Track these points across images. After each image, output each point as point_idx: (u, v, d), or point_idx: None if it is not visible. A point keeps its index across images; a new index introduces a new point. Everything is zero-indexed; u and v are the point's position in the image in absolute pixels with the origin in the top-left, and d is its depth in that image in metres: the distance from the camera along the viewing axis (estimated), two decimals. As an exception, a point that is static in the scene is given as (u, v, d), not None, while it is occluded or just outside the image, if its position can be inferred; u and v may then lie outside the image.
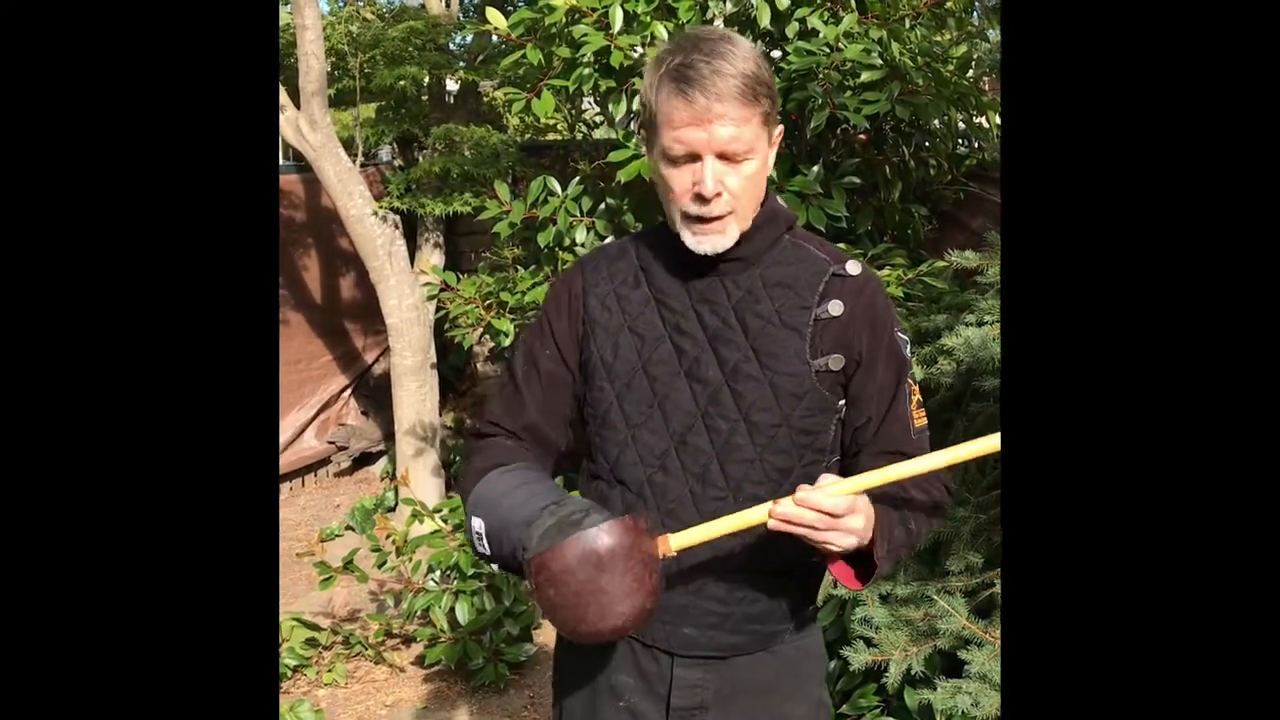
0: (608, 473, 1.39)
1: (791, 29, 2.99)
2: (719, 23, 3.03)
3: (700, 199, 1.27)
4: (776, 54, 3.16)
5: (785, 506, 1.20)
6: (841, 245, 2.86)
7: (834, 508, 1.19)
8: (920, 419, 1.38)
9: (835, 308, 1.33)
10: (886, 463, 1.30)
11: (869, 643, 2.35)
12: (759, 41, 3.08)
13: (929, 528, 1.39)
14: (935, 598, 2.30)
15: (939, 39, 3.59)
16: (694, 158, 1.26)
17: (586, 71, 3.01)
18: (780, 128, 1.32)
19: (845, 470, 1.40)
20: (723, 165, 1.26)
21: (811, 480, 1.33)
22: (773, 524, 1.20)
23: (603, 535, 1.17)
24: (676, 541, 1.23)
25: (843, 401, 1.35)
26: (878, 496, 1.28)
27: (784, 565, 1.36)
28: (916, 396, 1.38)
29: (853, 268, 1.35)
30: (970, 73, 3.59)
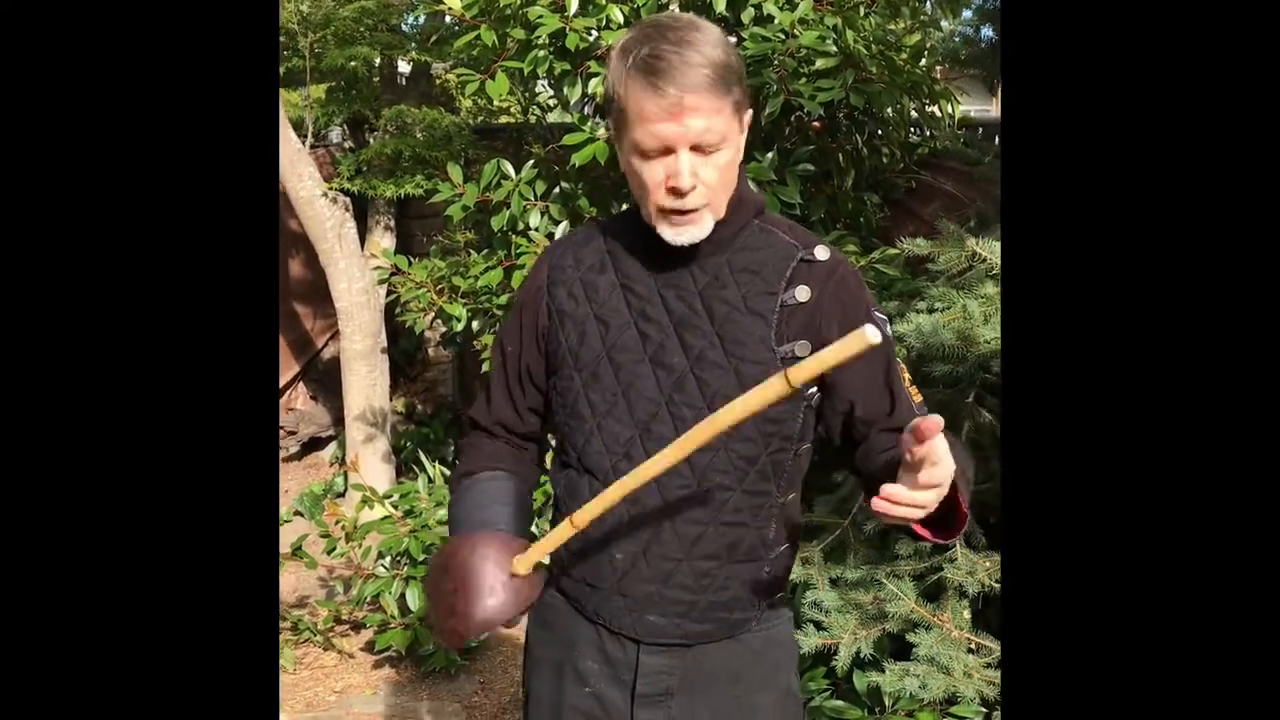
0: (576, 461, 1.39)
1: (747, 15, 2.99)
2: (674, 7, 3.02)
3: (675, 192, 1.24)
4: (731, 39, 3.15)
5: (900, 497, 1.09)
6: (795, 232, 2.88)
7: (942, 477, 1.09)
8: (916, 395, 1.36)
9: (802, 293, 1.31)
10: (882, 423, 1.32)
11: (818, 626, 2.37)
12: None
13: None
14: (884, 581, 2.33)
15: (893, 27, 3.60)
16: (667, 151, 1.23)
17: (542, 54, 2.98)
18: (749, 112, 1.30)
19: (846, 459, 1.39)
20: (696, 157, 1.23)
21: (778, 469, 1.34)
22: (882, 506, 1.11)
23: (442, 553, 1.35)
24: (525, 563, 1.33)
25: (813, 390, 1.33)
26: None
27: (751, 553, 1.36)
28: (906, 375, 1.37)
29: (821, 252, 1.33)
30: (923, 61, 3.62)
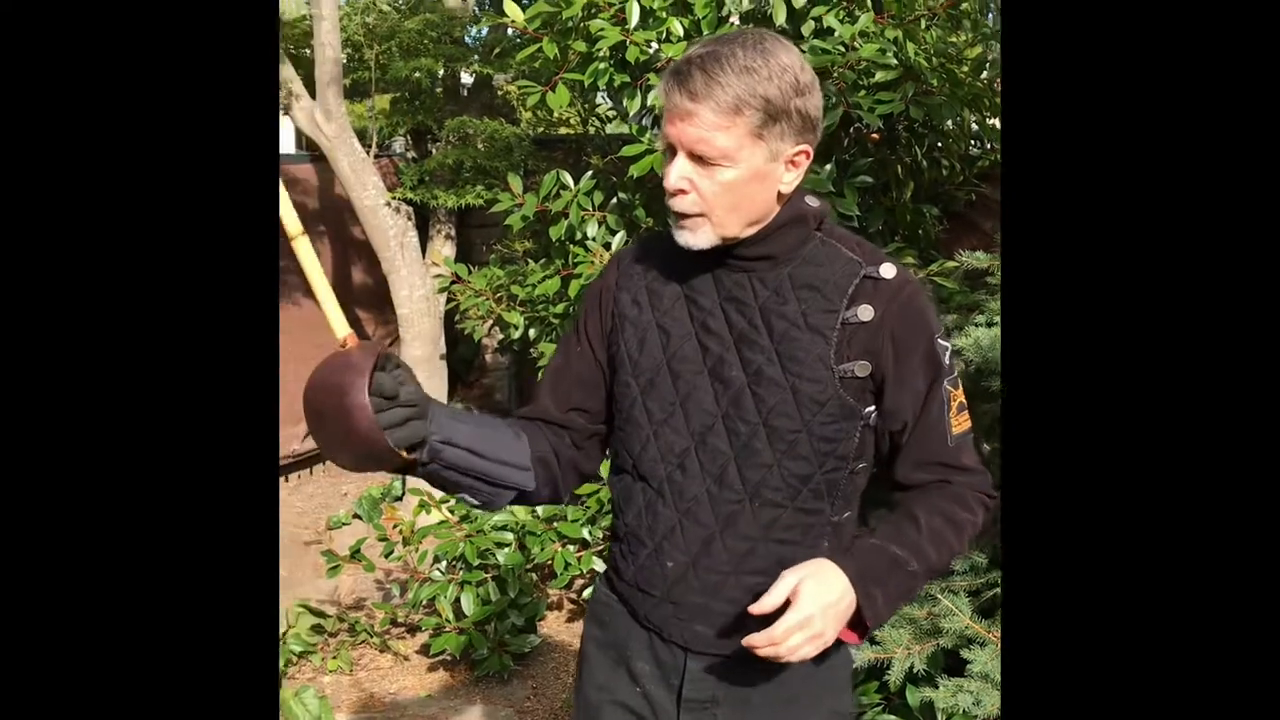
0: (631, 467, 1.40)
1: (807, 27, 3.00)
2: (735, 20, 3.03)
3: (670, 191, 1.26)
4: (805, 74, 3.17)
5: (764, 649, 1.20)
6: (853, 244, 2.87)
7: (794, 624, 1.19)
8: (960, 424, 1.35)
9: (865, 312, 1.29)
10: (925, 475, 1.32)
11: (872, 640, 2.36)
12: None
13: (953, 550, 1.34)
14: (939, 596, 2.31)
15: (954, 40, 3.59)
16: (675, 151, 1.25)
17: (602, 66, 3.02)
18: (803, 148, 1.26)
19: (882, 478, 1.39)
20: (693, 166, 1.24)
21: (833, 488, 1.33)
22: (765, 652, 1.20)
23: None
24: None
25: (871, 409, 1.32)
26: (872, 543, 1.29)
27: None
28: (957, 401, 1.35)
29: (887, 270, 1.30)
30: (984, 74, 3.59)
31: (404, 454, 1.22)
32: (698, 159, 1.24)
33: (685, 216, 1.27)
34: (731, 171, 1.23)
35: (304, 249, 1.23)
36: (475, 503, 1.36)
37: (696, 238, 1.28)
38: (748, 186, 1.25)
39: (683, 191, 1.25)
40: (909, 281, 1.32)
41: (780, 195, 1.28)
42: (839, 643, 1.42)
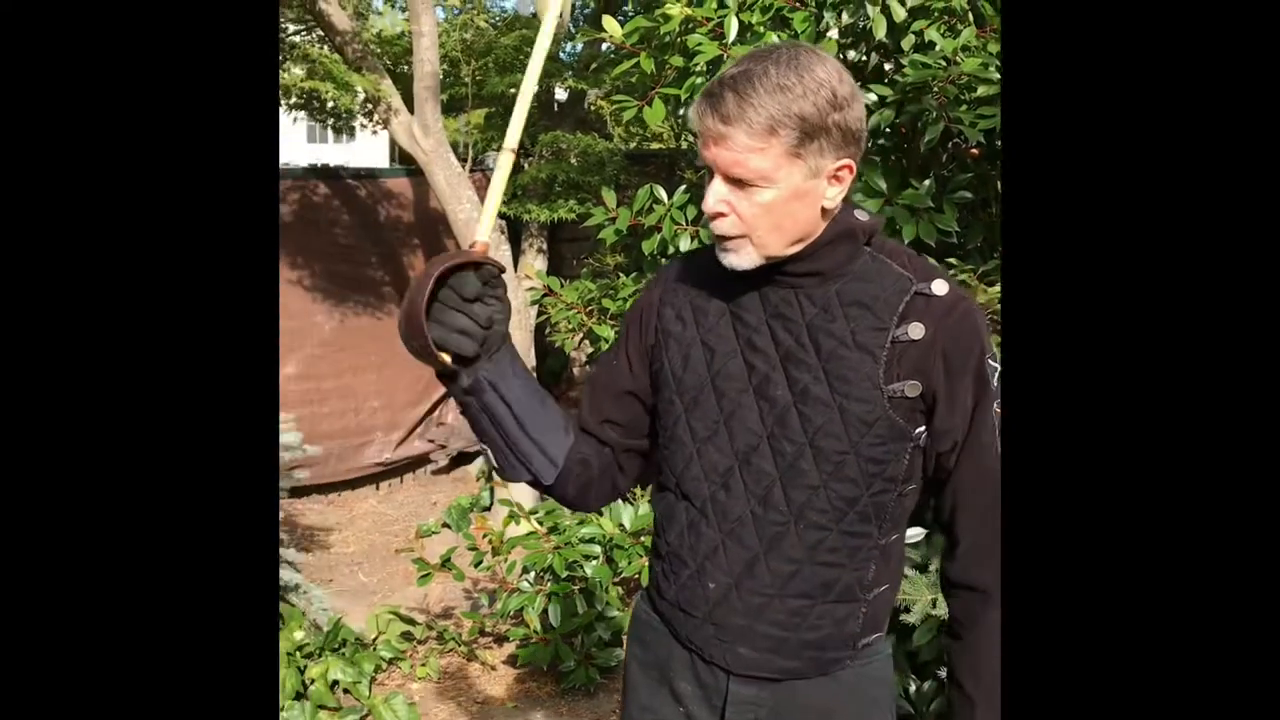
0: (674, 486, 1.37)
1: (907, 42, 2.96)
2: (833, 34, 3.01)
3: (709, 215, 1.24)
4: (889, 66, 3.13)
5: None
6: (952, 260, 2.82)
7: None
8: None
9: (916, 330, 1.25)
10: (975, 500, 1.29)
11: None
12: (873, 53, 3.05)
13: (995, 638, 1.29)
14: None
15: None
16: (714, 173, 1.24)
17: (699, 81, 3.01)
18: (845, 162, 1.23)
19: (927, 501, 1.36)
20: (730, 189, 1.22)
21: (880, 510, 1.29)
22: None
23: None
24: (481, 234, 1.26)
25: (921, 429, 1.28)
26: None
27: (847, 593, 1.32)
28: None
29: (939, 287, 1.26)
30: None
31: (441, 355, 1.23)
32: (735, 181, 1.21)
33: (727, 238, 1.25)
34: (770, 192, 1.20)
35: (506, 162, 1.30)
36: (493, 463, 1.39)
37: (740, 259, 1.25)
38: (788, 205, 1.22)
39: (721, 214, 1.23)
40: (962, 299, 1.28)
41: (825, 211, 1.25)
42: (882, 662, 1.39)
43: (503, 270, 1.26)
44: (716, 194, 1.23)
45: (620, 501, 3.81)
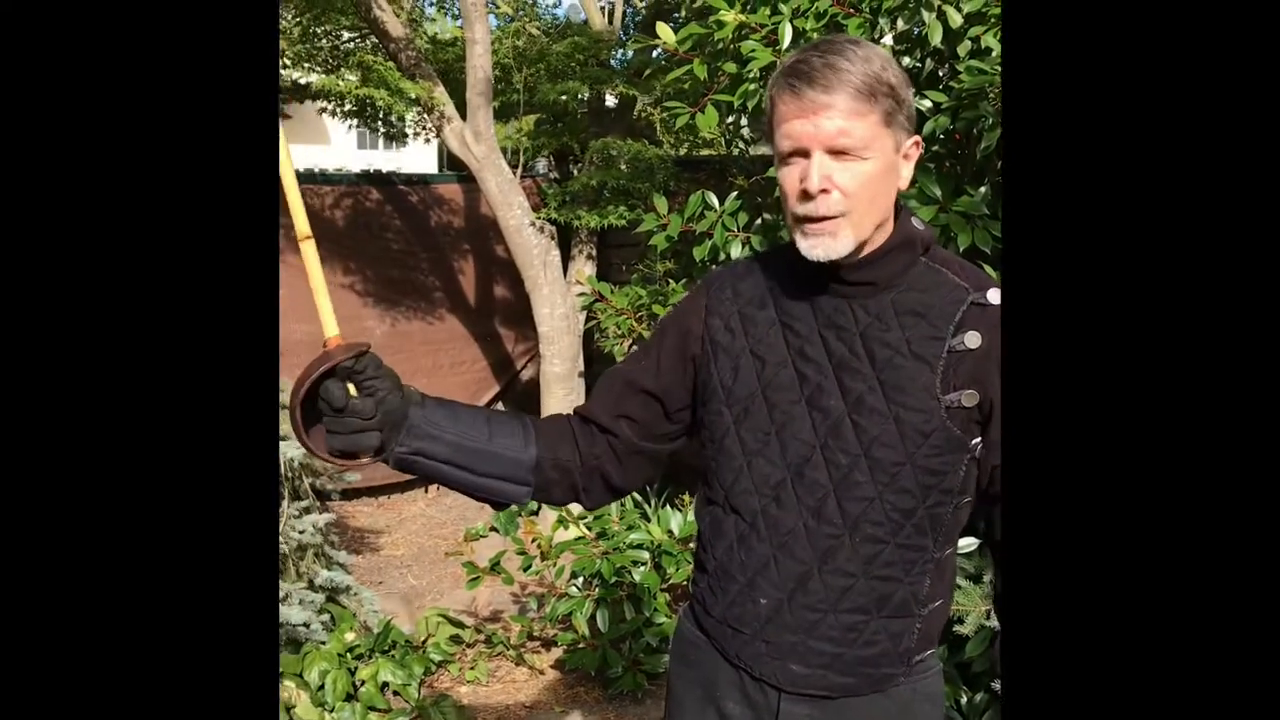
0: (723, 499, 1.35)
1: (964, 47, 2.93)
2: (888, 39, 2.99)
3: (806, 196, 1.20)
4: (944, 72, 3.10)
5: None
6: (1007, 268, 2.79)
7: None
8: None
9: (972, 340, 1.23)
10: None
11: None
12: (929, 59, 3.03)
13: None
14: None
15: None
16: (804, 154, 1.20)
17: (752, 87, 3.01)
18: (915, 139, 1.24)
19: (980, 515, 1.34)
20: (833, 161, 1.19)
21: (936, 522, 1.27)
22: None
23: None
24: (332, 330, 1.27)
25: (978, 441, 1.26)
26: None
27: (903, 608, 1.30)
28: None
29: (994, 295, 1.24)
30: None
31: (357, 461, 1.27)
32: (836, 154, 1.19)
33: (823, 220, 1.21)
34: (870, 163, 1.20)
35: (309, 252, 1.27)
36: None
37: (838, 242, 1.21)
38: (884, 180, 1.22)
39: (825, 191, 1.20)
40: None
41: (899, 194, 1.25)
42: (934, 677, 1.37)
43: (364, 351, 1.26)
44: (821, 169, 1.19)
45: (668, 508, 3.81)
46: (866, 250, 1.25)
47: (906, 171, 1.25)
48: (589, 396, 1.45)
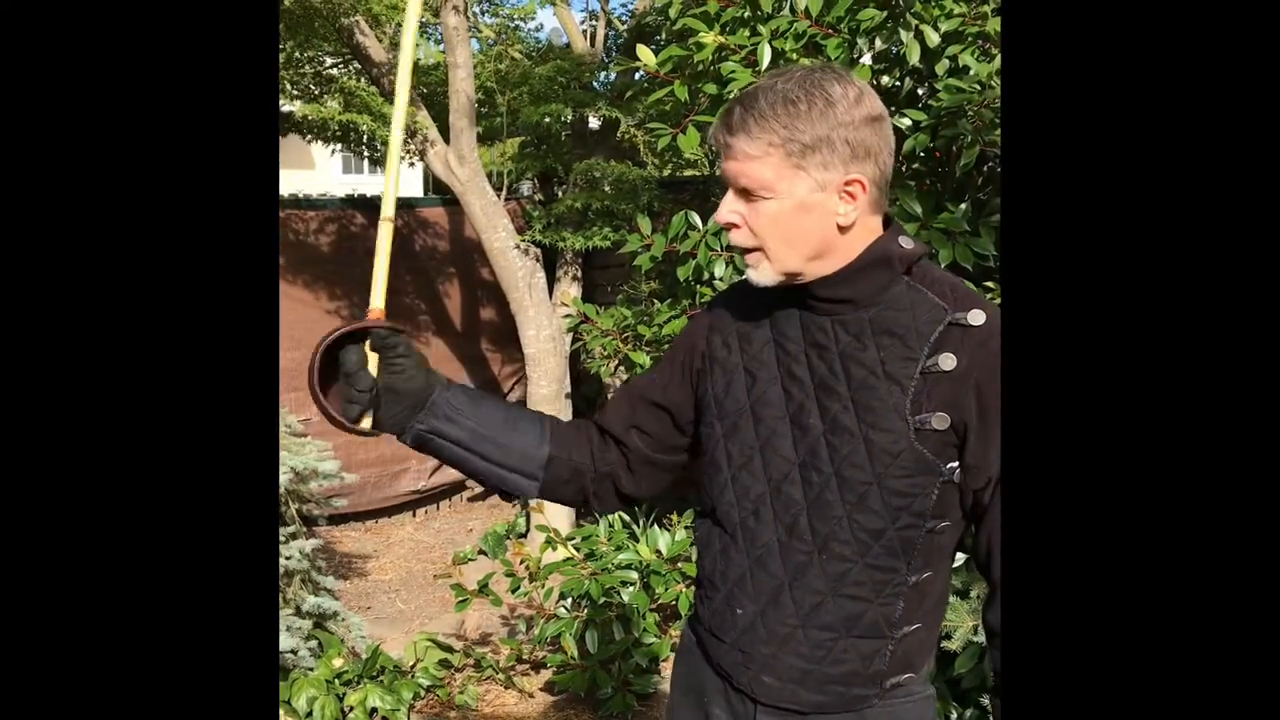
0: (710, 511, 1.39)
1: (941, 66, 2.96)
2: (866, 59, 3.02)
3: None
4: (923, 91, 3.13)
5: None
6: (989, 284, 2.81)
7: None
8: None
9: (947, 361, 1.22)
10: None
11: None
12: (907, 78, 3.06)
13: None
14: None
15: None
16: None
17: (732, 108, 3.03)
18: (855, 178, 1.22)
19: (971, 541, 1.34)
20: (740, 201, 1.25)
21: (908, 545, 1.27)
22: None
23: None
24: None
25: (953, 464, 1.25)
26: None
27: (873, 629, 1.30)
28: None
29: (976, 317, 1.23)
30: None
31: (359, 425, 1.32)
32: (743, 192, 1.25)
33: (744, 252, 1.28)
34: (774, 203, 1.23)
35: (386, 232, 1.34)
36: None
37: (759, 274, 1.28)
38: (795, 218, 1.23)
39: (734, 225, 1.27)
40: (1000, 329, 1.22)
41: (840, 228, 1.24)
42: (919, 704, 1.36)
43: (400, 330, 1.33)
44: (727, 206, 1.27)
45: (656, 528, 3.81)
46: (829, 267, 1.27)
47: (846, 209, 1.24)
48: (602, 410, 1.49)
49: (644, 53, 3.08)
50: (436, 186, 5.33)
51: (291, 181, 15.12)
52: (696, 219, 3.33)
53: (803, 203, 1.23)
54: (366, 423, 1.33)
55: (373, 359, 1.33)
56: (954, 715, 2.50)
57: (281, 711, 3.08)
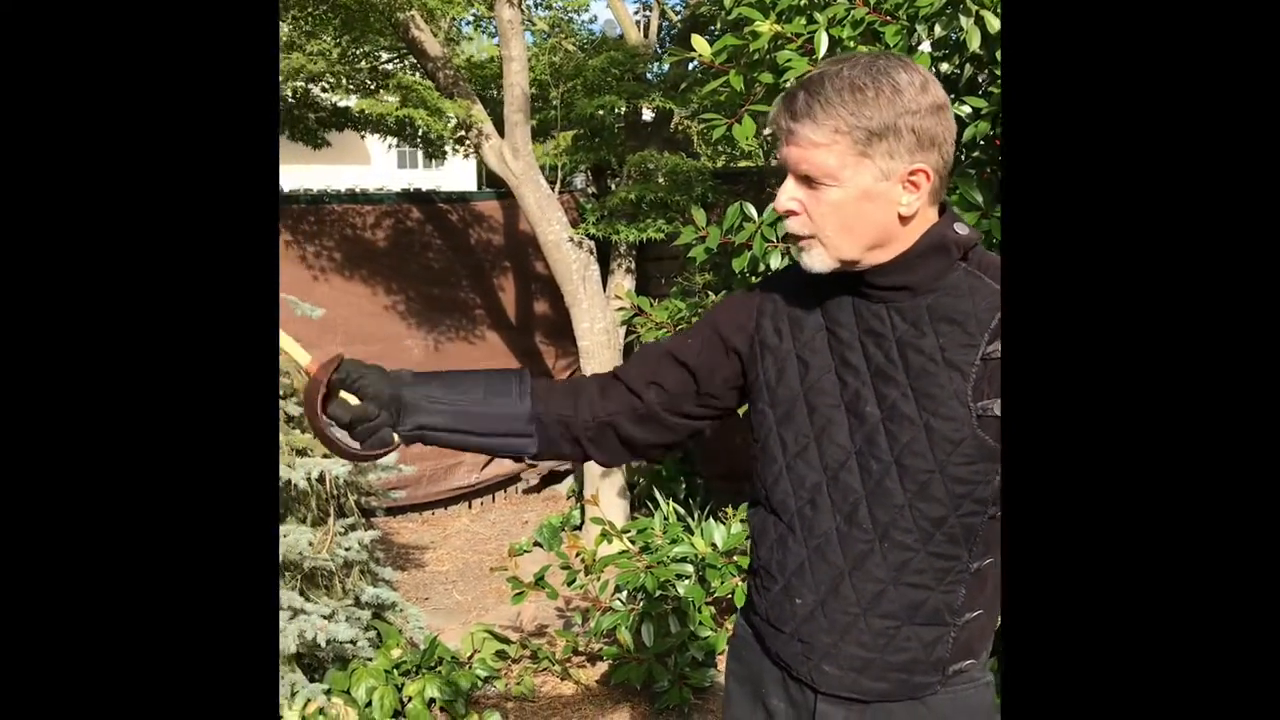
0: (764, 499, 1.38)
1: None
2: (925, 46, 2.98)
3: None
4: (984, 78, 3.07)
5: None
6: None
7: None
8: None
9: None
10: None
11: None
12: (967, 65, 3.00)
13: None
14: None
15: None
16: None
17: (788, 97, 3.00)
18: (919, 167, 1.21)
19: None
20: (800, 187, 1.24)
21: (970, 533, 1.26)
22: None
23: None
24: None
25: None
26: None
27: (935, 617, 1.29)
28: None
29: None
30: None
31: (380, 451, 1.37)
32: (805, 179, 1.23)
33: (799, 238, 1.26)
34: (837, 191, 1.21)
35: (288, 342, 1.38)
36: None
37: (812, 260, 1.26)
38: (858, 206, 1.22)
39: (793, 213, 1.25)
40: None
41: (905, 219, 1.23)
42: (980, 689, 1.35)
43: (339, 361, 1.37)
44: (787, 192, 1.25)
45: (712, 520, 3.79)
46: (886, 255, 1.26)
47: (910, 199, 1.23)
48: (625, 363, 1.49)
49: (699, 42, 3.06)
50: (490, 180, 5.35)
51: (348, 177, 15.29)
52: (752, 210, 3.30)
53: (866, 191, 1.22)
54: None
55: (349, 396, 1.38)
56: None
57: (341, 701, 3.12)
